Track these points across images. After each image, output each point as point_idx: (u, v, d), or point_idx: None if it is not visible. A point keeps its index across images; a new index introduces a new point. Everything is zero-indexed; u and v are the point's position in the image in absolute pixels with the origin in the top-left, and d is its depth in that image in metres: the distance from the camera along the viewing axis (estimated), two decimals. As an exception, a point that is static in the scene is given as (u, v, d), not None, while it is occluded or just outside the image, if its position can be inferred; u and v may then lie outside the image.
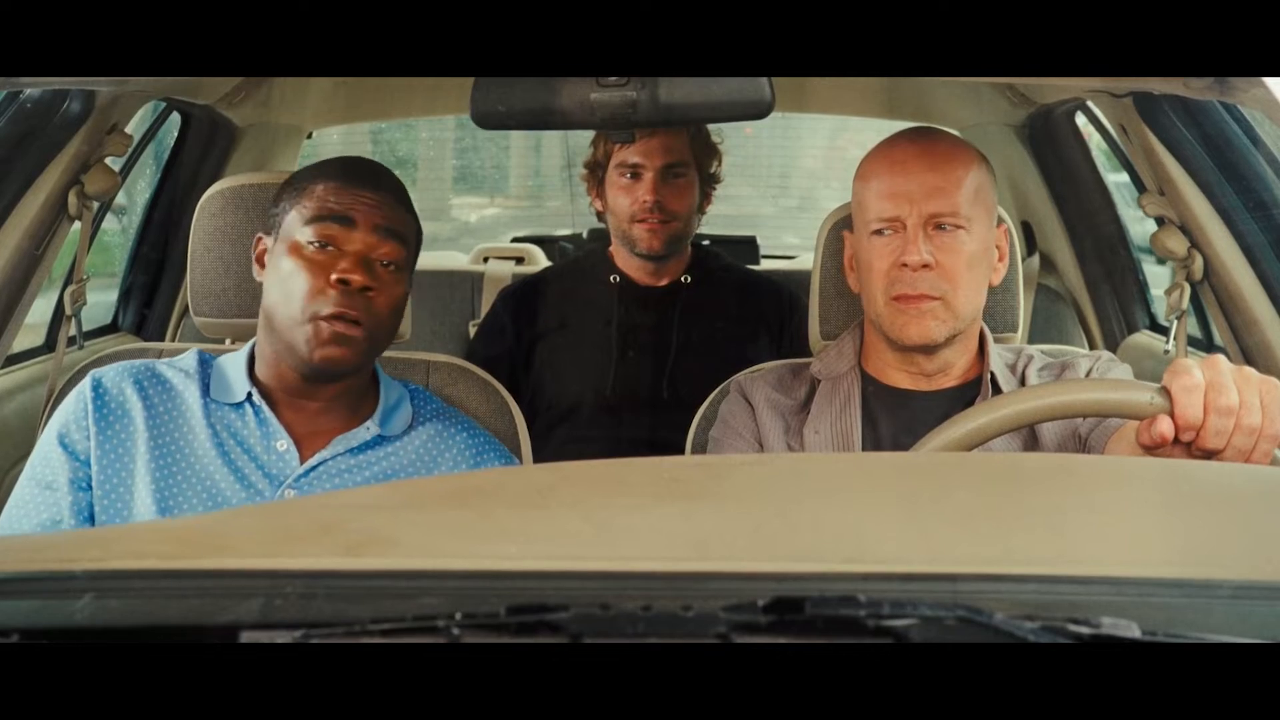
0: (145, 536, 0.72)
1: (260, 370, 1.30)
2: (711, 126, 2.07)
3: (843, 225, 1.45)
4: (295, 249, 1.24)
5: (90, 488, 1.23)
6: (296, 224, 1.25)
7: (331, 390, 1.28)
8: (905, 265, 1.25)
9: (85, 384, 1.27)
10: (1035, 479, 0.83)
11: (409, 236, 1.30)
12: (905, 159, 1.29)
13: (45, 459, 1.25)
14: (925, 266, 1.25)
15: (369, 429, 1.30)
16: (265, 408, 1.27)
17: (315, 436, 1.28)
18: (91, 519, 1.22)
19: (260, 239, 1.32)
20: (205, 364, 1.32)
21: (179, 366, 1.31)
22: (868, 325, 1.38)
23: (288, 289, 1.23)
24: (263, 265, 1.30)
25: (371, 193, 1.26)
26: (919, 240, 1.25)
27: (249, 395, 1.27)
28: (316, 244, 1.23)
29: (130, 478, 1.23)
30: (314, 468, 1.26)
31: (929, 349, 1.30)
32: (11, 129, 1.61)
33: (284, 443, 1.26)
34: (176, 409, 1.27)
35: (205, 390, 1.29)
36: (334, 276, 1.21)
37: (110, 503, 1.22)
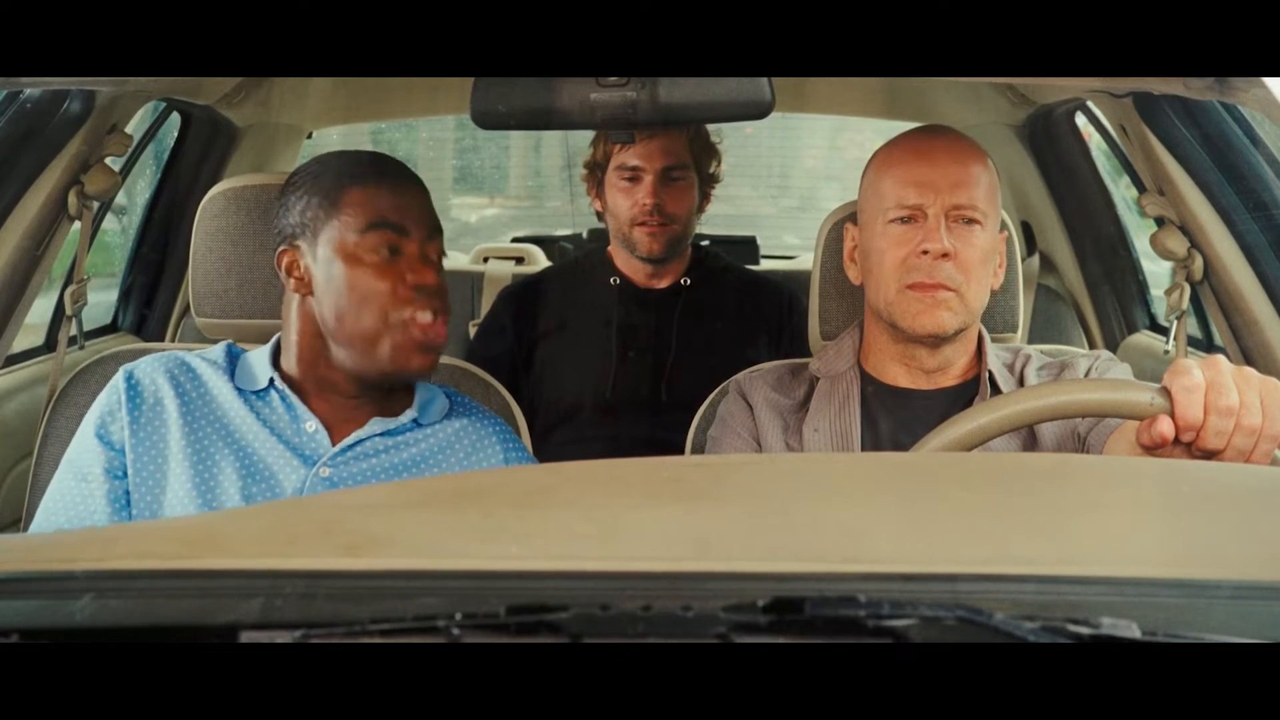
0: (145, 536, 0.71)
1: (287, 364, 1.31)
2: (711, 126, 2.06)
3: (843, 225, 1.45)
4: (354, 259, 1.23)
5: (126, 475, 1.24)
6: (347, 233, 1.23)
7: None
8: (926, 253, 1.26)
9: (118, 378, 1.29)
10: (1035, 479, 0.83)
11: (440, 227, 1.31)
12: (929, 150, 1.30)
13: (82, 453, 1.26)
14: (945, 255, 1.26)
15: (408, 415, 1.31)
16: (289, 393, 1.28)
17: (348, 423, 1.29)
18: (128, 505, 1.24)
19: (285, 251, 1.28)
20: (234, 356, 1.34)
21: (208, 357, 1.33)
22: (868, 322, 1.38)
23: (358, 300, 1.22)
24: (296, 277, 1.27)
25: (412, 192, 1.27)
26: (940, 229, 1.26)
27: (271, 381, 1.29)
28: (383, 251, 1.23)
29: (165, 464, 1.24)
30: (350, 446, 1.27)
31: (936, 340, 1.30)
32: (11, 129, 1.61)
33: (312, 424, 1.28)
34: (207, 395, 1.29)
35: (232, 378, 1.30)
36: (412, 281, 1.22)
37: (147, 489, 1.24)
